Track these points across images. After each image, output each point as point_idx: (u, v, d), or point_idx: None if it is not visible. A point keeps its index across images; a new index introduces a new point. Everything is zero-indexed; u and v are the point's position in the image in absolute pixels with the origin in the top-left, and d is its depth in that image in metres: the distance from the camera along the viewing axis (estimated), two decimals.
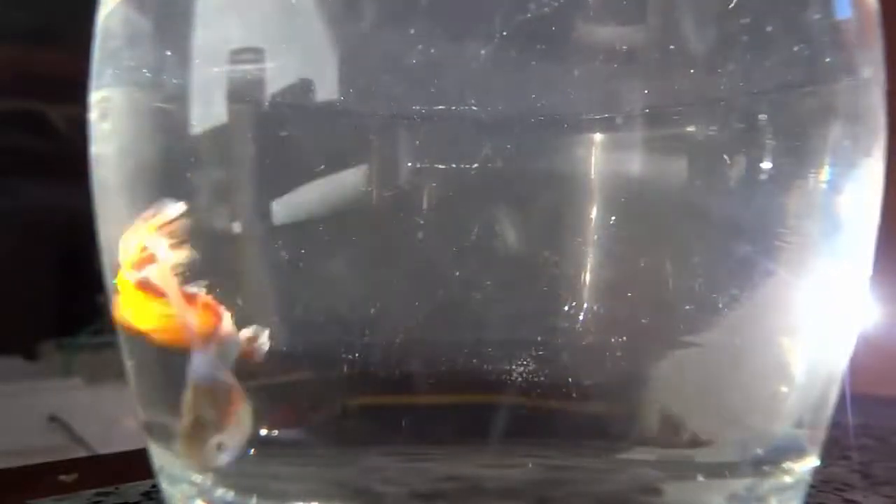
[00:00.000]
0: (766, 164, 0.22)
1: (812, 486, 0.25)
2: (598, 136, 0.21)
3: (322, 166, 0.21)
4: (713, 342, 0.22)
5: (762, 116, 0.22)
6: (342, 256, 0.22)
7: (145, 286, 0.21)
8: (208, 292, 0.22)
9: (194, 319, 0.21)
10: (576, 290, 0.21)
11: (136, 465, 0.28)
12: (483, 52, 0.21)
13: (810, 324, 0.24)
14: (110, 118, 0.25)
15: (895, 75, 0.25)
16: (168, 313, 0.21)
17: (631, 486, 0.22)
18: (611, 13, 0.21)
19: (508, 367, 0.21)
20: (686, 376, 0.23)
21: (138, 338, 0.25)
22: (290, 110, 0.21)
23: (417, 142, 0.21)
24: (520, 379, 0.21)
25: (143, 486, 0.32)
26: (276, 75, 0.21)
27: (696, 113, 0.21)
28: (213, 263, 0.23)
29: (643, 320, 0.22)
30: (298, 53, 0.22)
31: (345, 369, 0.22)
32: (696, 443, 0.23)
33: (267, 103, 0.21)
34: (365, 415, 0.22)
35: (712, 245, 0.22)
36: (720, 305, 0.22)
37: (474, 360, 0.21)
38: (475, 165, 0.21)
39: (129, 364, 0.25)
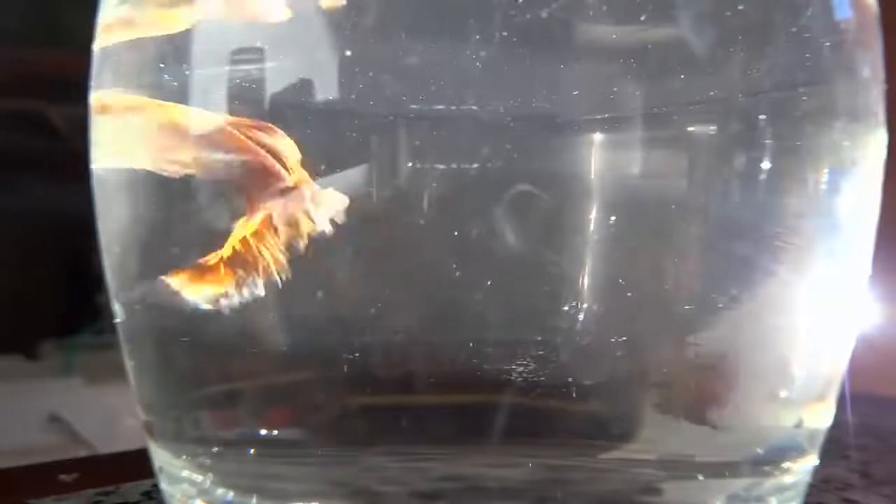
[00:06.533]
0: (766, 164, 0.22)
1: (812, 486, 0.25)
2: (597, 136, 0.21)
3: (322, 166, 0.21)
4: (713, 342, 0.22)
5: (762, 116, 0.22)
6: (342, 256, 0.22)
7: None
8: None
9: None
10: (576, 290, 0.21)
11: (136, 465, 0.28)
12: (483, 51, 0.21)
13: (810, 324, 0.24)
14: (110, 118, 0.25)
15: (895, 75, 0.25)
16: None
17: (631, 486, 0.22)
18: (610, 13, 0.21)
19: (508, 367, 0.21)
20: (685, 376, 0.23)
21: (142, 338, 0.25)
22: (290, 110, 0.21)
23: (417, 142, 0.21)
24: (520, 379, 0.21)
25: (144, 486, 0.32)
26: (277, 75, 0.21)
27: (696, 113, 0.21)
28: None
29: (643, 320, 0.22)
30: (299, 53, 0.22)
31: (345, 369, 0.22)
32: (696, 443, 0.23)
33: (267, 103, 0.21)
34: (365, 415, 0.22)
35: (712, 245, 0.22)
36: (720, 305, 0.22)
37: (474, 360, 0.21)
38: (475, 165, 0.21)
39: (129, 364, 0.25)
